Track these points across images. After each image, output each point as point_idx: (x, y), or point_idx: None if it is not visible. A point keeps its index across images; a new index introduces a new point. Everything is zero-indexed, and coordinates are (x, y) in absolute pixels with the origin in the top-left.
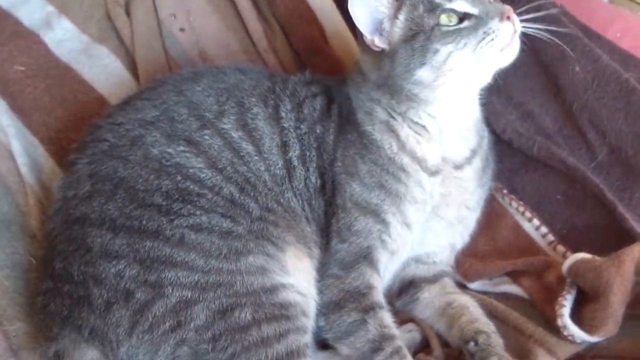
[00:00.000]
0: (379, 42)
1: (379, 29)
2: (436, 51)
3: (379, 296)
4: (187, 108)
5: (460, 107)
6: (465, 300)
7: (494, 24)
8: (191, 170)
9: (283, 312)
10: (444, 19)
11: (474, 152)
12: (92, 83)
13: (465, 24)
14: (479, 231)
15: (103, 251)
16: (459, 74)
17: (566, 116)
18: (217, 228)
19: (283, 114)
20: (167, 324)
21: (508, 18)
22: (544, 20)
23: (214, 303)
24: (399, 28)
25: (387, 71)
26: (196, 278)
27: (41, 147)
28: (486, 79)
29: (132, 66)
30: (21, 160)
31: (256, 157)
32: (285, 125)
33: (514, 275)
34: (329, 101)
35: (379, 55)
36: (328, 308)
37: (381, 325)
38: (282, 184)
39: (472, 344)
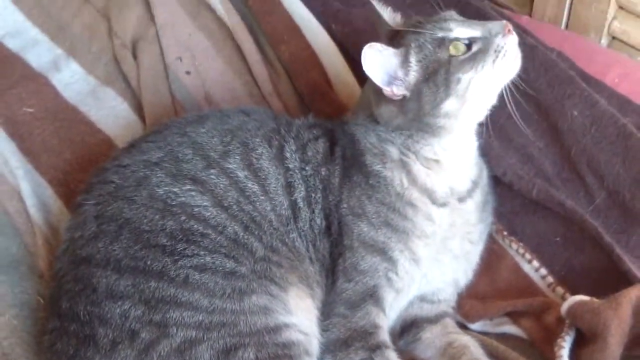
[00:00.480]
0: (397, 91)
1: (392, 80)
2: (459, 80)
3: (384, 335)
4: (191, 148)
5: (468, 135)
6: (466, 340)
7: (500, 39)
8: (196, 209)
9: (286, 352)
10: (452, 50)
11: (475, 184)
12: (99, 125)
13: (475, 48)
14: (479, 272)
15: (108, 291)
16: (480, 96)
17: (565, 160)
18: (220, 268)
19: (288, 155)
20: None
21: (509, 31)
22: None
23: (218, 343)
24: (414, 71)
25: (415, 113)
26: (200, 318)
27: (50, 188)
28: (495, 97)
29: (139, 108)
30: (30, 202)
31: (262, 197)
32: (290, 166)
33: (513, 316)
34: (331, 144)
35: (400, 102)
36: (335, 346)
37: None
38: (288, 224)
39: None
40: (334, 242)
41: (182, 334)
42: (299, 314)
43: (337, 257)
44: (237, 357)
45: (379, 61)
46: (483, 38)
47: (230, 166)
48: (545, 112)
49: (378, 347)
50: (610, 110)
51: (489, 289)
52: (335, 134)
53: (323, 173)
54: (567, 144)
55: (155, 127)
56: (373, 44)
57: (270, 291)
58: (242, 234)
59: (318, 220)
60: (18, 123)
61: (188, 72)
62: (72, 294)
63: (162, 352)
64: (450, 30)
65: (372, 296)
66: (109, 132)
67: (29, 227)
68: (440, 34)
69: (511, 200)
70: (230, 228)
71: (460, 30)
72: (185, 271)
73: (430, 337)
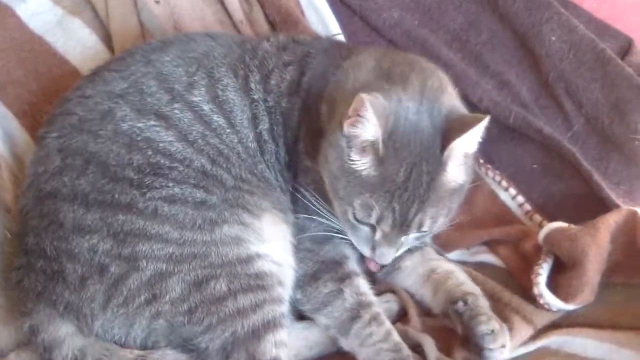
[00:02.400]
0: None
1: None
2: None
3: (354, 265)
4: (155, 80)
5: None
6: (449, 266)
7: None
8: (161, 145)
9: (259, 283)
10: None
11: None
12: (66, 56)
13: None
14: None
15: (76, 226)
16: None
17: (542, 86)
18: (190, 199)
19: (252, 86)
20: (142, 297)
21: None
22: None
23: (189, 275)
24: None
25: None
26: (170, 250)
27: (15, 120)
28: None
29: (107, 39)
30: None
31: (228, 130)
32: (255, 97)
33: (490, 245)
34: (301, 73)
35: None
36: (304, 280)
37: (357, 293)
38: (255, 156)
39: (460, 303)
40: (295, 176)
41: (152, 267)
42: (273, 242)
43: (297, 191)
44: (208, 288)
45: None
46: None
47: (195, 99)
48: (522, 38)
49: (347, 276)
50: (588, 35)
51: (465, 217)
52: (309, 60)
53: (284, 105)
54: (544, 70)
55: (119, 54)
56: None
57: (242, 220)
58: (209, 166)
59: (282, 153)
60: None
61: (157, 1)
62: (38, 230)
63: (132, 286)
64: None
65: (339, 232)
66: (77, 63)
67: None
68: None
69: (487, 128)
70: (197, 162)
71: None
72: (154, 203)
73: (411, 265)
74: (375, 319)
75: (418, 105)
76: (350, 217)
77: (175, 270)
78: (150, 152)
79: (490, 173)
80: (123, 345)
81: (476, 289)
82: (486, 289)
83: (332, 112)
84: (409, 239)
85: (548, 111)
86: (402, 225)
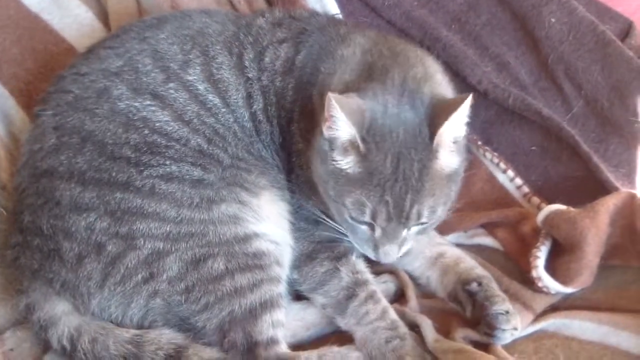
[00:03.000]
0: None
1: None
2: None
3: (350, 244)
4: (151, 58)
5: None
6: (458, 252)
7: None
8: (157, 124)
9: (256, 262)
10: None
11: None
12: (62, 34)
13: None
14: None
15: (72, 204)
16: None
17: (542, 68)
18: (187, 177)
19: (247, 64)
20: (140, 276)
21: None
22: None
23: (187, 254)
24: None
25: None
26: (168, 229)
27: (11, 98)
28: None
29: (104, 17)
30: None
31: (224, 109)
32: (250, 75)
33: (488, 228)
34: (296, 51)
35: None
36: (300, 260)
37: (353, 272)
38: (252, 136)
39: (475, 284)
40: (290, 157)
41: (149, 246)
42: (272, 219)
43: (291, 172)
44: (206, 267)
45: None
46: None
47: (190, 78)
48: (522, 20)
49: (344, 255)
50: (588, 17)
51: (463, 199)
52: (304, 37)
53: (277, 84)
54: (544, 52)
55: (114, 31)
56: None
57: (240, 198)
58: (206, 145)
59: (276, 133)
60: None
61: None
62: (34, 208)
63: (129, 265)
64: None
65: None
66: (73, 41)
67: None
68: None
69: (486, 110)
70: (193, 141)
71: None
72: (151, 181)
73: (418, 248)
74: (371, 297)
75: (399, 98)
76: (347, 216)
77: (173, 248)
78: (147, 131)
79: (489, 155)
80: (119, 325)
81: (487, 273)
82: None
83: (320, 111)
84: (411, 234)
85: (547, 93)
86: (400, 218)
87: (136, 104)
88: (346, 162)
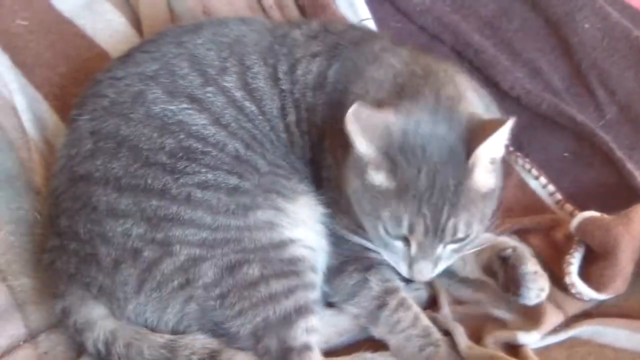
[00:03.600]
0: None
1: None
2: None
3: (379, 256)
4: (187, 62)
5: None
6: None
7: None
8: (194, 128)
9: (292, 268)
10: None
11: None
12: (95, 39)
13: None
14: None
15: (109, 210)
16: None
17: (575, 74)
18: (223, 185)
19: (280, 75)
20: (176, 282)
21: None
22: None
23: (222, 260)
24: None
25: None
26: (204, 235)
27: (45, 103)
28: None
29: (136, 22)
30: (25, 116)
31: (260, 117)
32: (284, 87)
33: (520, 234)
34: (328, 65)
35: None
36: (330, 274)
37: (383, 280)
38: (287, 146)
39: (509, 250)
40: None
41: (185, 252)
42: (308, 224)
43: (320, 187)
44: (241, 273)
45: None
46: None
47: (227, 84)
48: (555, 25)
49: (373, 265)
50: (622, 22)
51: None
52: (337, 51)
53: (308, 99)
54: (577, 58)
55: (150, 36)
56: None
57: (276, 205)
58: (243, 151)
59: (307, 148)
60: (12, 36)
61: None
62: (72, 212)
63: (165, 271)
64: None
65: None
66: (106, 46)
67: (24, 142)
68: None
69: (518, 116)
70: (230, 146)
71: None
72: (187, 189)
73: None
74: (402, 304)
75: (433, 115)
76: (382, 232)
77: (209, 255)
78: (182, 136)
79: (520, 161)
80: (154, 330)
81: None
82: None
83: None
84: (447, 252)
85: (580, 99)
86: (436, 231)
87: (172, 107)
88: (379, 178)
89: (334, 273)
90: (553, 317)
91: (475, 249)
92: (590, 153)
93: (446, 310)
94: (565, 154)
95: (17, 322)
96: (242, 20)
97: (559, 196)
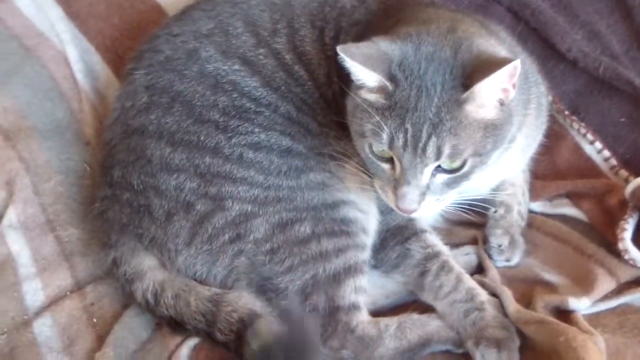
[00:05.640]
0: None
1: None
2: None
3: (420, 224)
4: (242, 22)
5: None
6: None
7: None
8: (246, 89)
9: (343, 228)
10: None
11: None
12: None
13: None
14: (539, 152)
15: (163, 164)
16: None
17: (634, 38)
18: (276, 146)
19: (327, 40)
20: (227, 236)
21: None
22: None
23: (274, 217)
24: None
25: None
26: (256, 193)
27: (97, 54)
28: None
29: None
30: (77, 67)
31: (310, 83)
32: (329, 54)
33: (574, 198)
34: (362, 35)
35: None
36: (373, 251)
37: (424, 247)
38: (336, 113)
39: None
40: None
41: (237, 207)
42: (359, 190)
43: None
44: (293, 230)
45: None
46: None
47: (277, 46)
48: None
49: (413, 234)
50: None
51: (549, 170)
52: (374, 24)
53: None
54: (636, 21)
55: None
56: None
57: (328, 168)
58: (295, 113)
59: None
60: None
61: None
62: (126, 164)
63: (217, 224)
64: None
65: None
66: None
67: (75, 92)
68: None
69: (575, 79)
70: (282, 108)
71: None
72: (239, 149)
73: None
74: (442, 267)
75: (439, 39)
76: (367, 150)
77: (260, 212)
78: (235, 95)
79: (576, 125)
80: (203, 282)
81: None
82: (571, 239)
83: None
84: (437, 183)
85: (639, 64)
86: (416, 149)
87: (225, 67)
88: (373, 97)
89: (377, 249)
90: (605, 284)
91: (479, 196)
92: None
93: (494, 272)
94: (622, 119)
95: (64, 272)
96: None
97: (614, 162)
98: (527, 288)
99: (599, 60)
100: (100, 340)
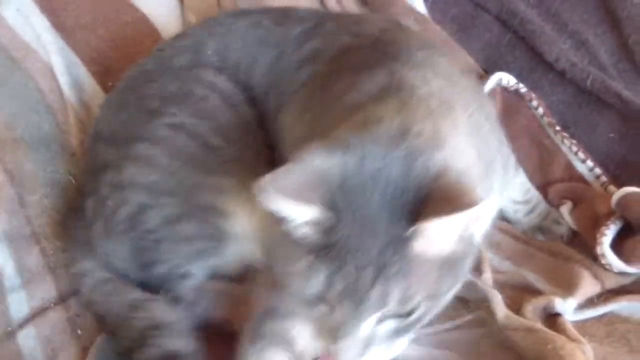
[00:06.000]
0: None
1: None
2: None
3: None
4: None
5: None
6: None
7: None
8: None
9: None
10: None
11: None
12: (135, 2)
13: None
14: (531, 170)
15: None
16: None
17: (622, 49)
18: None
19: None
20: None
21: None
22: None
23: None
24: None
25: None
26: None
27: (83, 66)
28: None
29: None
30: (63, 79)
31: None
32: None
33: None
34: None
35: None
36: None
37: None
38: None
39: None
40: None
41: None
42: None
43: None
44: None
45: None
46: None
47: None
48: None
49: None
50: None
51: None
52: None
53: None
54: (625, 33)
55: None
56: None
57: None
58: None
59: None
60: None
61: None
62: (85, 170)
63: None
64: None
65: None
66: (146, 10)
67: (61, 105)
68: None
69: (563, 90)
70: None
71: None
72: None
73: None
74: None
75: (388, 149)
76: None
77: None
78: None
79: (567, 142)
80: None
81: None
82: (560, 252)
83: None
84: (381, 331)
85: (627, 75)
86: (354, 297)
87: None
88: (304, 230)
89: None
90: (590, 286)
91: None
92: (635, 132)
93: (488, 275)
94: (611, 135)
95: (48, 285)
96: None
97: (604, 179)
98: (517, 294)
99: (587, 71)
100: (85, 351)
